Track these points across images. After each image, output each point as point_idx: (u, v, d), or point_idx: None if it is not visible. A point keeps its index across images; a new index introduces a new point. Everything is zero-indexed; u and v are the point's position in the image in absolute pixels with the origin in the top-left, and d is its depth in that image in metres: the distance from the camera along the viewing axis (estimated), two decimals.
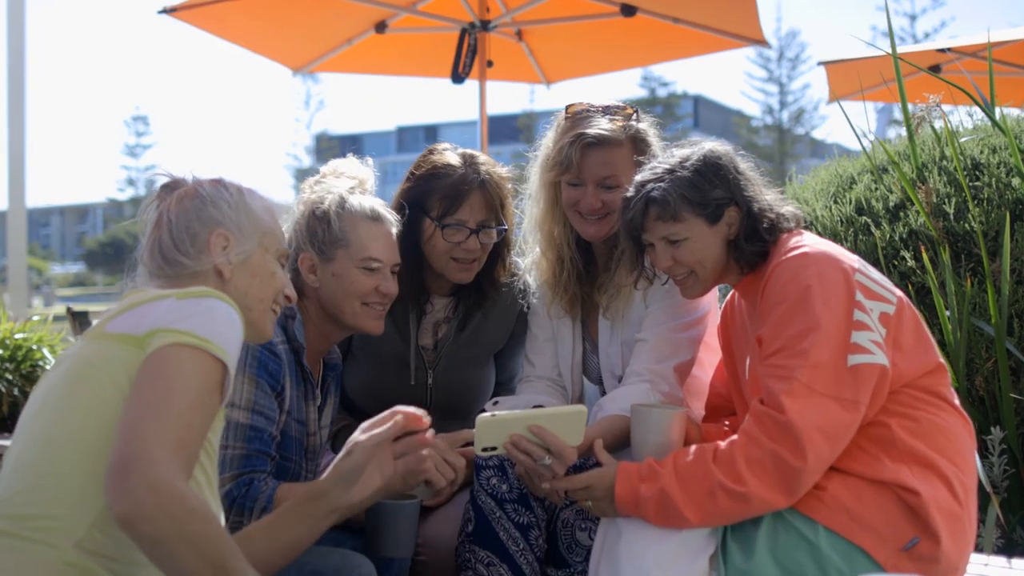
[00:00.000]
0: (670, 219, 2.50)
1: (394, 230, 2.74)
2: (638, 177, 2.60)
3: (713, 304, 2.99)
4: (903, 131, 4.42)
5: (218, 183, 2.20)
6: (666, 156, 2.62)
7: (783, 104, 49.88)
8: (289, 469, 2.56)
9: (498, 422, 2.37)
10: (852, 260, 2.42)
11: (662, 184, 2.51)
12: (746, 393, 2.62)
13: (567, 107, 2.98)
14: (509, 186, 3.09)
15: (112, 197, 67.02)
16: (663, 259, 2.56)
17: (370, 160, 2.82)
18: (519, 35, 7.52)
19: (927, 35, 44.69)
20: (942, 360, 2.45)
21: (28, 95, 8.51)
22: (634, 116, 2.94)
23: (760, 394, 2.35)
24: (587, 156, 2.85)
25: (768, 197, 2.60)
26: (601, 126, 2.85)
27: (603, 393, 3.09)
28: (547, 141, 2.98)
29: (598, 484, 2.41)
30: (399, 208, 3.02)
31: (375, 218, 2.70)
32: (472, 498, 2.74)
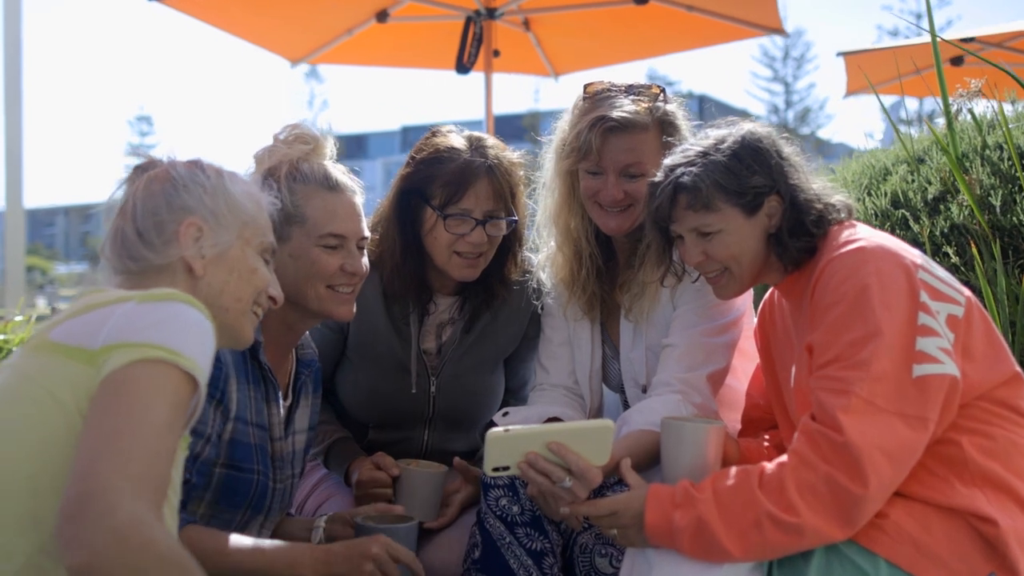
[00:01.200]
0: (702, 208, 2.23)
1: (358, 199, 2.46)
2: (667, 160, 2.33)
3: (748, 306, 2.70)
4: (912, 129, 4.13)
5: (194, 165, 1.96)
6: (699, 138, 2.34)
7: (788, 103, 49.62)
8: (250, 481, 2.28)
9: (512, 438, 2.09)
10: (914, 255, 2.16)
11: (694, 169, 2.24)
12: (790, 406, 2.33)
13: (586, 86, 2.71)
14: (521, 173, 2.81)
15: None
16: (693, 253, 2.29)
17: (331, 124, 2.53)
18: (526, 24, 7.25)
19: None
20: (1019, 369, 2.16)
21: (25, 93, 8.36)
22: (661, 96, 2.67)
23: (810, 409, 2.09)
24: (608, 141, 2.58)
25: (815, 186, 2.33)
26: (624, 108, 2.59)
27: (625, 403, 2.82)
28: (563, 124, 2.73)
29: (625, 510, 2.13)
30: (399, 197, 2.76)
31: (332, 186, 2.41)
32: (479, 521, 2.48)
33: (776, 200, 2.26)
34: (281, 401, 2.40)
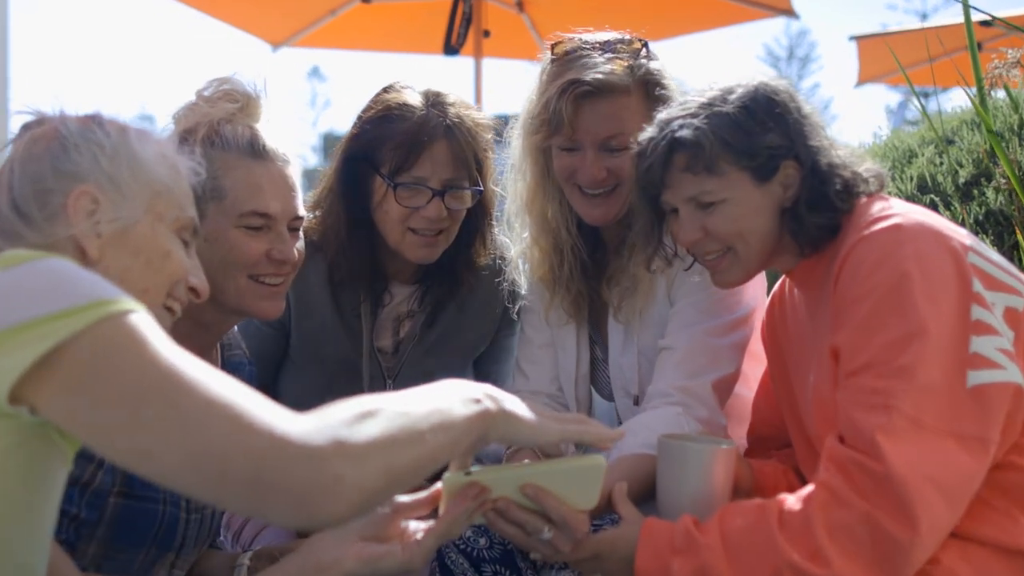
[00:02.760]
0: (703, 171, 1.84)
1: (291, 170, 2.06)
2: (662, 114, 1.93)
3: (761, 300, 2.31)
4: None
5: (90, 120, 1.58)
6: (701, 90, 1.93)
7: None
8: (154, 512, 1.88)
9: (475, 483, 1.66)
10: (961, 235, 1.77)
11: (695, 122, 1.84)
12: (808, 421, 1.95)
13: (552, 46, 2.29)
14: (489, 137, 2.42)
15: None
16: (689, 229, 1.90)
17: (264, 79, 2.09)
18: (520, 6, 6.96)
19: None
20: None
21: (11, 92, 8.15)
22: (643, 52, 2.26)
23: (836, 427, 1.71)
24: (583, 110, 2.19)
25: (840, 151, 1.94)
26: (599, 68, 2.19)
27: (618, 414, 2.40)
28: (530, 94, 2.32)
29: (611, 552, 1.74)
30: (344, 164, 2.38)
31: (258, 154, 2.01)
32: (439, 556, 2.08)
33: (793, 166, 1.87)
34: None
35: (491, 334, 2.62)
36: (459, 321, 2.56)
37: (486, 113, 2.43)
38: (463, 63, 7.07)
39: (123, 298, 1.23)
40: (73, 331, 1.17)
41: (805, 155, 1.87)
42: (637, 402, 2.32)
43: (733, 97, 1.86)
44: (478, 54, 6.65)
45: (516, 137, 2.37)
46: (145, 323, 1.21)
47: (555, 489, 1.66)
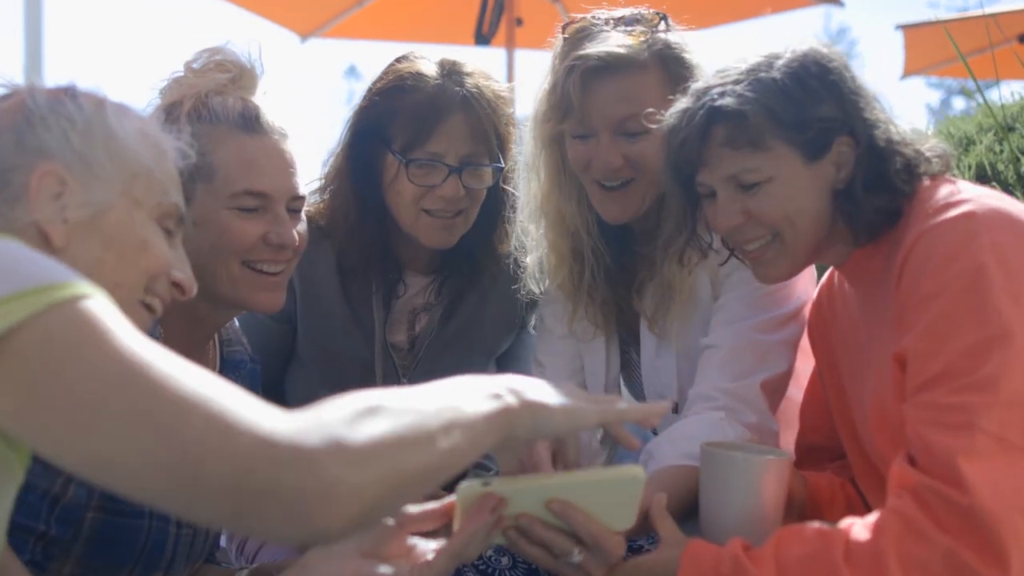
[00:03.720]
0: (746, 145, 1.64)
1: (289, 144, 1.86)
2: (698, 83, 1.73)
3: (812, 291, 2.09)
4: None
5: (62, 92, 1.40)
6: (743, 56, 1.72)
7: None
8: (138, 528, 1.71)
9: (494, 496, 1.46)
10: None
11: (737, 89, 1.64)
12: (865, 434, 1.75)
13: (564, 25, 2.08)
14: (511, 111, 2.21)
15: None
16: (729, 213, 1.69)
17: (259, 49, 1.89)
18: None
19: None
20: None
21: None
22: (660, 24, 2.05)
23: (905, 446, 1.51)
24: (592, 88, 1.97)
25: (900, 127, 1.72)
26: (610, 42, 1.98)
27: None
28: (541, 81, 2.10)
29: None
30: (353, 140, 2.20)
31: (251, 127, 1.82)
32: None
33: (848, 143, 1.66)
34: None
35: (516, 329, 2.42)
36: (481, 314, 2.36)
37: (506, 86, 2.23)
38: (495, 55, 6.89)
39: (76, 282, 1.06)
40: (13, 321, 1.00)
41: (861, 130, 1.65)
42: (676, 410, 2.10)
43: (780, 63, 1.65)
44: (510, 44, 6.44)
45: (528, 133, 2.15)
46: (103, 310, 1.05)
47: (586, 505, 1.45)
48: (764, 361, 1.98)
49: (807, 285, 2.05)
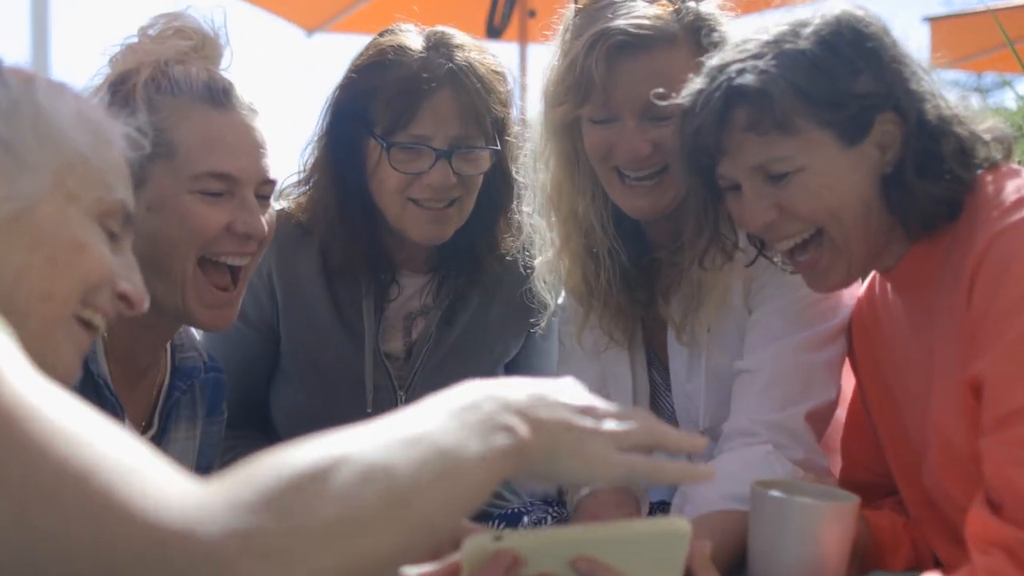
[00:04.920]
0: (773, 130, 1.43)
1: (259, 122, 1.68)
2: (714, 60, 1.51)
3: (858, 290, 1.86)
4: None
5: None
6: (763, 25, 1.51)
7: None
8: None
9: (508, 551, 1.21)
10: None
11: (759, 64, 1.43)
12: (926, 470, 1.52)
13: None
14: (508, 89, 2.02)
15: None
16: (757, 210, 1.49)
17: (223, 16, 1.71)
18: None
19: None
20: None
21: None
22: None
23: (982, 487, 1.31)
24: (617, 67, 1.76)
25: (952, 102, 1.49)
26: (635, 13, 1.77)
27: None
28: (551, 59, 1.89)
29: None
30: (332, 124, 2.00)
31: (217, 100, 1.63)
32: None
33: (892, 120, 1.44)
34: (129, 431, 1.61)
35: (524, 332, 2.20)
36: (484, 317, 2.14)
37: (500, 61, 2.03)
38: (507, 49, 6.75)
39: None
40: None
41: (907, 105, 1.43)
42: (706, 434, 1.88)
43: (808, 31, 1.44)
44: (523, 38, 6.32)
45: (536, 117, 1.95)
46: None
47: (621, 565, 1.19)
48: (809, 387, 1.76)
49: (853, 294, 1.83)
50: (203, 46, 1.65)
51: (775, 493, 1.41)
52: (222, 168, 1.61)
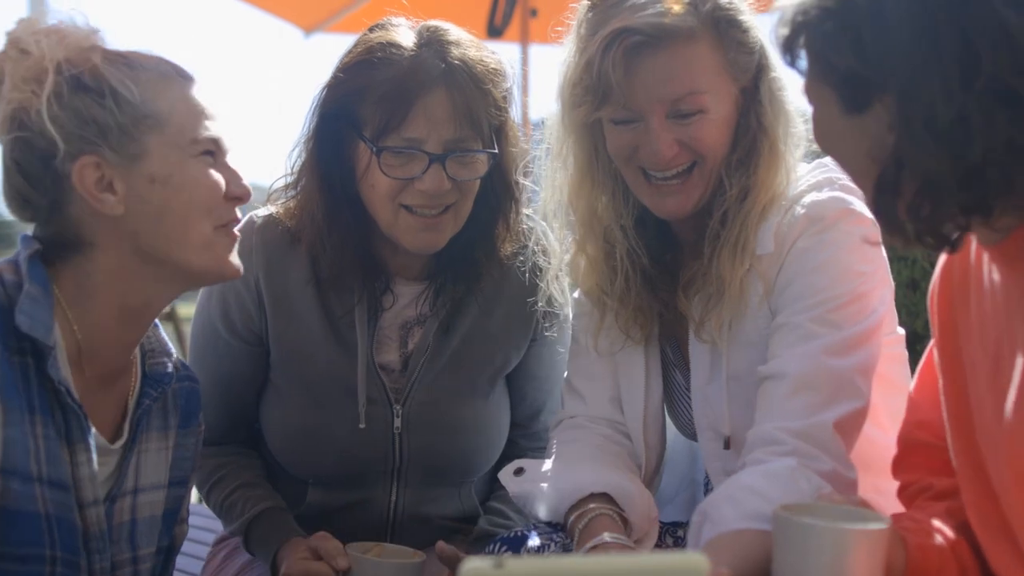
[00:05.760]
0: None
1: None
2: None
3: (889, 300, 1.79)
4: None
5: None
6: None
7: None
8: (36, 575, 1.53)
9: None
10: None
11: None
12: (993, 465, 1.38)
13: None
14: (507, 87, 1.93)
15: None
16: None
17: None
18: None
19: None
20: None
21: None
22: None
23: None
24: (637, 67, 1.69)
25: None
26: (652, 9, 1.69)
27: (704, 461, 1.89)
28: (566, 56, 1.80)
29: None
30: (319, 126, 1.93)
31: (178, 71, 1.66)
32: None
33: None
34: (94, 442, 1.60)
35: (526, 342, 2.09)
36: (484, 327, 2.03)
37: (498, 58, 1.93)
38: (508, 49, 6.66)
39: None
40: None
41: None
42: (728, 445, 1.79)
43: None
44: (524, 38, 6.22)
45: (553, 117, 1.87)
46: None
47: None
48: (839, 393, 1.66)
49: (884, 293, 1.74)
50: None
51: (800, 519, 1.31)
52: (212, 133, 1.63)
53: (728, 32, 1.73)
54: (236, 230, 1.69)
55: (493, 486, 2.13)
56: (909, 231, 1.29)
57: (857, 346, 1.69)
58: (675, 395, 1.94)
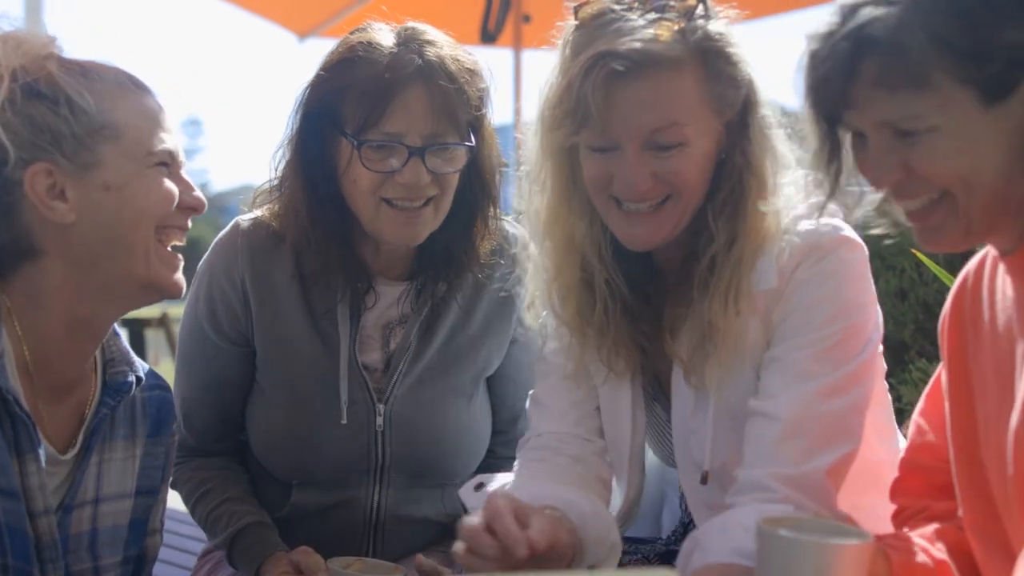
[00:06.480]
0: (905, 84, 1.27)
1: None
2: None
3: (880, 324, 1.73)
4: None
5: None
6: None
7: None
8: None
9: None
10: None
11: (893, 9, 1.25)
12: (994, 479, 1.38)
13: (577, 8, 1.67)
14: (484, 86, 1.94)
15: None
16: (883, 167, 1.32)
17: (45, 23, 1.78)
18: None
19: None
20: None
21: None
22: (698, 9, 1.65)
23: None
24: (617, 94, 1.59)
25: None
26: (639, 35, 1.59)
27: (683, 496, 1.85)
28: (548, 75, 1.71)
29: None
30: (303, 125, 1.95)
31: (135, 83, 1.67)
32: None
33: None
34: (44, 453, 1.59)
35: (506, 342, 2.10)
36: (465, 327, 2.04)
37: (474, 59, 1.95)
38: (502, 55, 6.65)
39: None
40: None
41: None
42: (706, 480, 1.73)
43: None
44: (518, 44, 6.21)
45: (532, 135, 1.78)
46: None
47: None
48: (832, 438, 1.61)
49: (878, 317, 1.69)
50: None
51: (783, 532, 1.30)
52: (167, 145, 1.64)
53: (716, 64, 1.63)
54: (180, 241, 1.69)
55: None
56: None
57: (853, 384, 1.65)
58: (655, 426, 1.90)
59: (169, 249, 1.66)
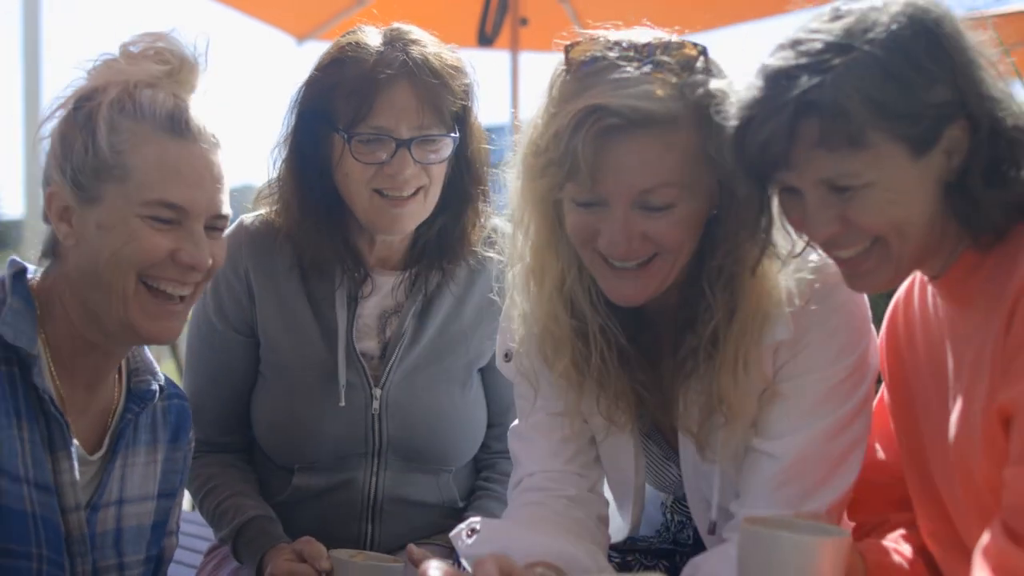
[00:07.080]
0: (846, 144, 1.32)
1: (219, 156, 1.66)
2: (775, 58, 1.37)
3: (876, 345, 1.70)
4: None
5: None
6: (818, 13, 1.39)
7: None
8: (25, 571, 1.58)
9: None
10: None
11: (827, 74, 1.31)
12: (944, 487, 1.47)
13: (568, 48, 1.58)
14: (466, 83, 2.02)
15: None
16: (823, 221, 1.38)
17: (207, 40, 1.71)
18: None
19: None
20: None
21: (44, 100, 8.01)
22: (699, 61, 1.57)
23: (998, 513, 1.28)
24: (608, 151, 1.52)
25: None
26: (633, 88, 1.51)
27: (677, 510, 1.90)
28: (534, 115, 1.62)
29: None
30: (297, 123, 2.05)
31: (178, 130, 1.62)
32: None
33: (962, 127, 1.34)
34: (76, 452, 1.65)
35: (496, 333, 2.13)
36: (459, 315, 2.13)
37: (457, 56, 2.04)
38: (499, 57, 6.66)
39: None
40: None
41: (980, 111, 1.33)
42: (713, 531, 1.71)
43: (878, 32, 1.31)
44: (515, 46, 6.22)
45: (514, 176, 1.70)
46: None
47: None
48: (833, 476, 1.60)
49: (876, 344, 1.68)
50: (179, 71, 1.65)
51: (763, 529, 1.35)
52: (172, 198, 1.60)
53: (712, 123, 1.50)
54: (181, 295, 1.65)
55: (474, 480, 2.21)
56: (994, 216, 1.35)
57: (856, 418, 1.62)
58: (654, 463, 1.88)
59: (159, 288, 1.63)
